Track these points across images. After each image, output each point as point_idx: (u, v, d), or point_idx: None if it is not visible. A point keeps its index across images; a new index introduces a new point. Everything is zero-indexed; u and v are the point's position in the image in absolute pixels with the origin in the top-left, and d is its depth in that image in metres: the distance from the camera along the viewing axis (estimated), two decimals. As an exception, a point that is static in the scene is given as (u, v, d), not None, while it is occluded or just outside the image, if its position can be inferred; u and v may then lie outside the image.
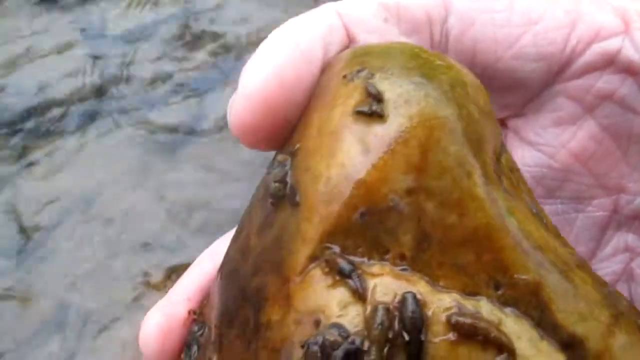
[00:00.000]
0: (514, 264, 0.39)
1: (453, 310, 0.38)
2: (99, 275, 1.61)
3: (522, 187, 0.46)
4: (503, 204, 0.41)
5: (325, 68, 0.46)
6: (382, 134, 0.40)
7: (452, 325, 0.37)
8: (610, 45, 0.50)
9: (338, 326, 0.38)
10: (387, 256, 0.39)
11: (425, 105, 0.40)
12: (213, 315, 0.47)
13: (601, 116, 0.53)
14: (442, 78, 0.42)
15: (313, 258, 0.40)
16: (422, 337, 0.37)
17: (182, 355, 0.49)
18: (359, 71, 0.42)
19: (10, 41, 2.07)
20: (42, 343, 1.50)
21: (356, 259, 0.39)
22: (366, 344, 0.37)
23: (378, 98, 0.40)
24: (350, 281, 0.38)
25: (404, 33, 0.50)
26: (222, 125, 1.83)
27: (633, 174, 0.54)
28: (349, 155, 0.40)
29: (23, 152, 1.84)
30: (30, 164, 1.82)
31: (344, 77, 0.42)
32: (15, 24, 2.12)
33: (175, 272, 1.53)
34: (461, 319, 0.37)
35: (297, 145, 0.43)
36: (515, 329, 0.39)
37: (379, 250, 0.40)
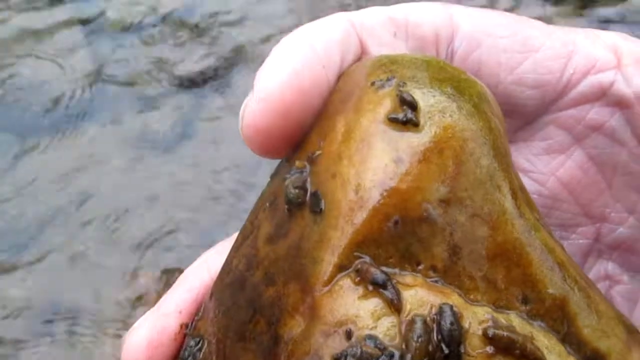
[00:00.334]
0: (542, 280, 0.39)
1: (489, 324, 0.37)
2: (90, 274, 1.56)
3: (533, 206, 0.46)
4: (529, 219, 0.41)
5: (344, 75, 0.46)
6: (416, 142, 0.39)
7: (489, 339, 0.37)
8: (604, 78, 0.52)
9: (373, 338, 0.36)
10: (419, 267, 0.38)
11: (459, 117, 0.40)
12: (212, 328, 0.44)
13: (590, 146, 0.54)
14: (470, 92, 0.42)
15: (342, 267, 0.38)
16: (462, 350, 0.36)
17: None
18: (389, 79, 0.41)
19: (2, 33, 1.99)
20: (33, 342, 1.44)
21: (388, 270, 0.38)
22: (406, 357, 0.35)
23: (413, 106, 0.39)
24: (385, 292, 0.37)
25: (411, 49, 0.50)
26: (217, 126, 1.80)
27: (616, 204, 0.56)
28: (382, 162, 0.39)
29: (15, 148, 1.77)
30: (22, 161, 1.75)
31: (372, 84, 0.42)
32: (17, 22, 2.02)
33: (165, 273, 1.48)
34: (498, 332, 0.37)
35: (318, 151, 0.42)
36: (545, 343, 0.38)
37: (410, 261, 0.38)
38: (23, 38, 2.02)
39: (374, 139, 0.40)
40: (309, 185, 0.41)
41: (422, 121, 0.39)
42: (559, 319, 0.39)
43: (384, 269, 0.38)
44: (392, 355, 0.35)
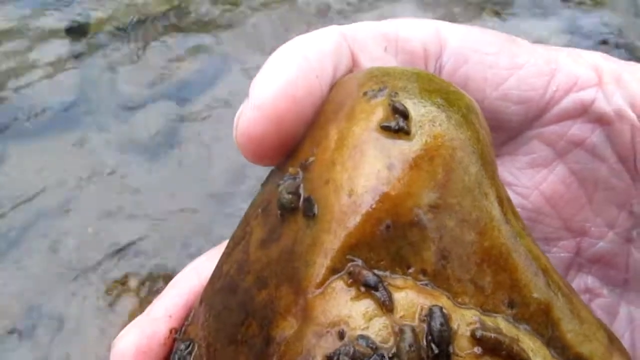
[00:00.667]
0: (527, 284, 0.40)
1: (476, 325, 0.38)
2: (72, 279, 1.54)
3: (517, 216, 0.47)
4: (514, 226, 0.42)
5: (336, 85, 0.47)
6: (408, 150, 0.40)
7: (477, 340, 0.38)
8: (585, 95, 0.54)
9: (365, 338, 0.37)
10: (409, 271, 0.39)
11: (449, 126, 0.41)
12: (203, 332, 0.44)
13: (572, 161, 0.56)
14: (459, 103, 0.43)
15: (334, 270, 0.39)
16: (451, 350, 0.37)
17: None
18: (381, 89, 0.43)
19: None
20: (13, 347, 1.42)
21: (379, 272, 0.39)
22: (398, 357, 0.36)
23: (405, 115, 0.41)
24: (377, 293, 0.38)
25: (400, 63, 0.52)
26: (203, 132, 1.80)
27: (596, 219, 0.57)
28: (375, 168, 0.40)
29: (-1, 152, 1.75)
30: (6, 165, 1.73)
31: (365, 93, 0.43)
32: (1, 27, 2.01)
33: (149, 279, 1.46)
34: (486, 333, 0.38)
35: (311, 158, 0.43)
36: (531, 345, 0.39)
37: (401, 264, 0.39)
38: (7, 45, 2.02)
39: (366, 146, 0.41)
40: (302, 191, 0.42)
41: (413, 130, 0.41)
42: (543, 323, 0.40)
43: (376, 271, 0.39)
44: (383, 355, 0.36)
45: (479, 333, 0.38)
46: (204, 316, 0.45)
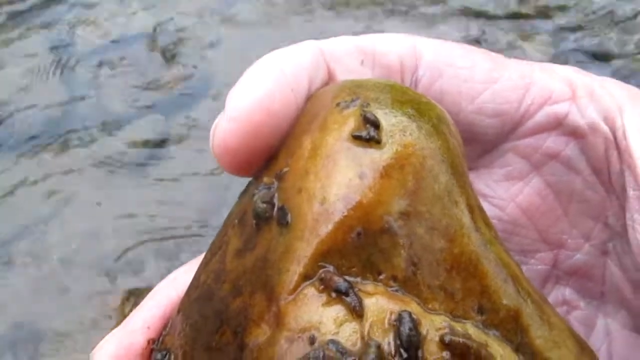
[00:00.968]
0: (497, 291, 0.41)
1: (445, 331, 0.39)
2: (56, 294, 1.53)
3: (490, 225, 0.48)
4: (484, 234, 0.43)
5: (311, 98, 0.48)
6: (378, 159, 0.41)
7: (446, 345, 0.38)
8: (559, 109, 0.55)
9: (335, 342, 0.37)
10: (380, 277, 0.40)
11: (419, 136, 0.42)
12: (179, 341, 0.45)
13: (547, 174, 0.57)
14: (430, 114, 0.44)
15: (306, 276, 0.40)
16: (419, 355, 0.37)
17: None
18: (353, 100, 0.44)
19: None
20: None
21: (350, 279, 0.40)
22: None
23: (376, 125, 0.42)
24: (347, 299, 0.38)
25: (377, 77, 0.53)
26: (188, 146, 1.80)
27: (572, 230, 0.58)
28: (346, 177, 0.41)
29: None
30: None
31: (337, 104, 0.44)
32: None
33: (133, 295, 1.46)
34: (455, 338, 0.38)
35: (285, 168, 0.44)
36: (500, 351, 0.40)
37: (372, 271, 0.40)
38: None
39: (338, 155, 0.42)
40: (276, 201, 0.43)
41: (384, 139, 0.42)
42: (512, 330, 0.41)
43: (347, 277, 0.39)
44: (352, 358, 0.37)
45: (447, 338, 0.38)
46: (181, 325, 0.45)
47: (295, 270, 0.40)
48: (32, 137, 1.85)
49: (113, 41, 2.10)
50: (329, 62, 0.51)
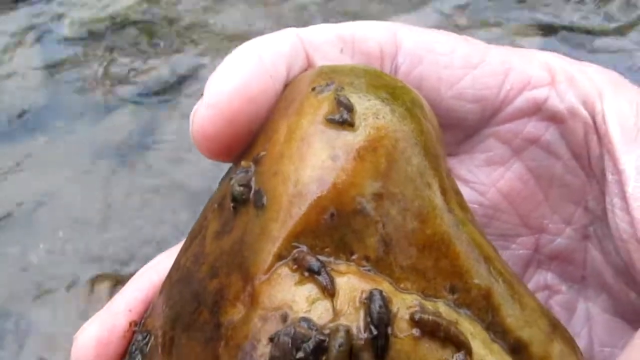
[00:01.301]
0: (469, 270, 0.42)
1: (416, 309, 0.40)
2: (43, 284, 1.53)
3: (466, 208, 0.49)
4: (457, 215, 0.44)
5: (289, 84, 0.49)
6: (351, 141, 0.42)
7: (416, 322, 0.39)
8: (538, 94, 0.56)
9: (307, 320, 0.38)
10: (352, 257, 0.41)
11: (392, 119, 0.43)
12: (159, 323, 0.46)
13: (528, 159, 0.58)
14: (404, 97, 0.45)
15: (280, 257, 0.41)
16: (389, 332, 0.38)
17: None
18: (328, 84, 0.44)
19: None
20: None
21: (323, 258, 0.40)
22: (336, 337, 0.37)
23: (349, 108, 0.42)
24: (319, 278, 0.39)
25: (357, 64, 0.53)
26: (177, 135, 1.80)
27: (553, 215, 0.59)
28: (320, 159, 0.41)
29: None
30: None
31: (313, 89, 0.45)
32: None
33: (121, 283, 1.47)
34: (424, 316, 0.39)
35: (262, 152, 0.45)
36: (470, 329, 0.41)
37: (345, 251, 0.41)
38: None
39: (313, 138, 0.42)
40: (253, 184, 0.44)
41: (357, 122, 0.42)
42: (484, 308, 0.42)
43: (320, 257, 0.40)
44: (323, 335, 0.37)
45: (417, 316, 0.39)
46: (161, 308, 0.46)
47: (270, 250, 0.41)
48: (18, 126, 1.85)
49: (101, 29, 2.09)
50: (308, 50, 0.52)
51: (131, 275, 0.51)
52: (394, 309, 0.39)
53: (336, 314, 0.39)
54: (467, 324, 0.41)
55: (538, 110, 0.56)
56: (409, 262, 0.41)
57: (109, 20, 2.10)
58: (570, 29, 2.03)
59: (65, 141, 1.82)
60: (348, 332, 0.38)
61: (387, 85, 0.45)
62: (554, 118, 0.56)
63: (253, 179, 0.44)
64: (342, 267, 0.40)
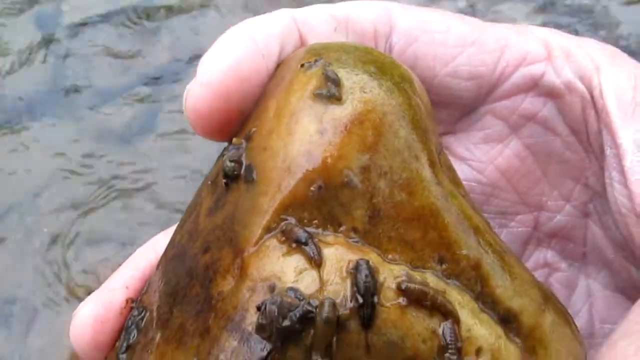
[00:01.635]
0: (457, 242, 0.42)
1: (403, 278, 0.40)
2: (47, 269, 1.55)
3: (459, 183, 0.49)
4: (446, 187, 0.44)
5: (281, 63, 0.49)
6: (339, 115, 0.42)
7: (402, 291, 0.39)
8: (535, 69, 0.56)
9: (294, 290, 0.39)
10: (340, 229, 0.41)
11: (379, 92, 0.43)
12: (155, 299, 0.47)
13: (525, 136, 0.57)
14: (393, 72, 0.45)
15: (269, 229, 0.41)
16: (375, 301, 0.39)
17: (117, 343, 0.48)
18: (316, 60, 0.45)
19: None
20: None
21: (312, 230, 0.41)
22: (323, 307, 0.38)
23: (336, 82, 0.43)
24: (306, 248, 0.40)
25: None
26: (177, 119, 1.81)
27: (552, 192, 0.59)
28: (307, 133, 0.42)
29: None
30: None
31: (302, 66, 0.45)
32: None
33: None
34: (410, 285, 0.39)
35: (253, 129, 0.45)
36: (459, 299, 0.41)
37: (332, 223, 0.41)
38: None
39: (301, 113, 0.43)
40: (244, 160, 0.44)
41: (344, 96, 0.43)
42: (473, 279, 0.42)
43: (308, 229, 0.41)
44: (310, 304, 0.38)
45: (404, 285, 0.39)
46: (157, 284, 0.47)
47: (259, 223, 0.41)
48: (20, 112, 1.86)
49: (101, 13, 2.09)
50: (302, 30, 0.52)
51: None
52: (381, 278, 0.40)
53: (323, 283, 0.39)
54: (456, 293, 0.41)
55: (535, 86, 0.56)
56: (397, 234, 0.41)
57: (110, 5, 2.11)
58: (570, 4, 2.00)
59: (69, 126, 1.82)
60: (334, 305, 0.38)
61: (375, 60, 0.46)
62: (551, 94, 0.56)
63: (244, 155, 0.44)
64: (330, 238, 0.41)
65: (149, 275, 0.50)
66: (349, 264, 0.40)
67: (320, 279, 0.39)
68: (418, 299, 0.39)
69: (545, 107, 0.56)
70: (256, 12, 0.52)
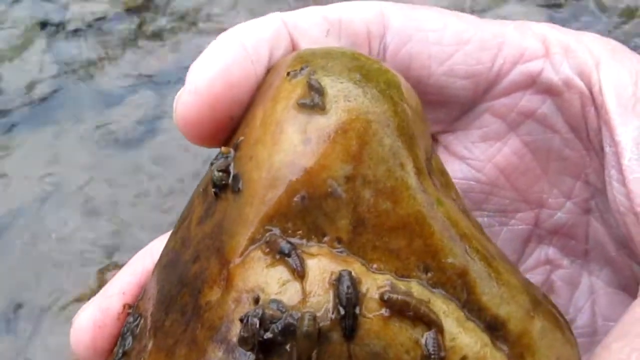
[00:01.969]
0: (443, 250, 0.42)
1: (386, 289, 0.40)
2: (54, 273, 1.57)
3: (451, 187, 0.49)
4: (433, 194, 0.44)
5: (271, 69, 0.49)
6: (323, 124, 0.42)
7: (385, 302, 0.39)
8: (532, 66, 0.55)
9: (277, 302, 0.39)
10: (325, 239, 0.41)
11: (364, 101, 0.43)
12: (149, 305, 0.47)
13: (524, 133, 0.57)
14: (379, 78, 0.45)
15: (254, 240, 0.41)
16: (357, 312, 0.39)
17: (115, 349, 0.49)
18: (302, 69, 0.45)
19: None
20: None
21: (296, 241, 0.41)
22: (304, 318, 0.38)
23: (320, 92, 0.43)
24: (289, 260, 0.40)
25: (344, 45, 0.53)
26: None
27: (552, 189, 0.58)
28: (291, 143, 0.42)
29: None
30: None
31: (288, 74, 0.45)
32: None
33: None
34: (393, 295, 0.39)
35: (241, 138, 0.45)
36: (443, 308, 0.41)
37: (317, 233, 0.41)
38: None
39: (286, 123, 0.43)
40: (232, 169, 0.45)
41: (328, 105, 0.42)
42: (459, 287, 0.42)
43: (292, 240, 0.41)
44: (292, 317, 0.38)
45: (386, 296, 0.39)
46: (152, 291, 0.48)
47: (244, 234, 0.42)
48: (25, 116, 1.87)
49: (104, 16, 2.10)
50: (293, 34, 0.52)
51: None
52: (364, 289, 0.40)
53: (306, 295, 0.39)
54: (440, 302, 0.41)
55: (533, 83, 0.55)
56: (382, 243, 0.41)
57: (112, 8, 2.11)
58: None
59: (74, 130, 1.83)
60: (314, 318, 0.39)
61: (362, 67, 0.45)
62: (550, 90, 0.55)
63: (232, 164, 0.45)
64: (314, 249, 0.41)
65: (145, 281, 0.51)
66: (331, 275, 0.40)
67: (303, 290, 0.40)
68: (400, 309, 0.39)
69: (544, 104, 0.56)
70: (262, 16, 0.51)
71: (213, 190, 0.45)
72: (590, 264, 0.59)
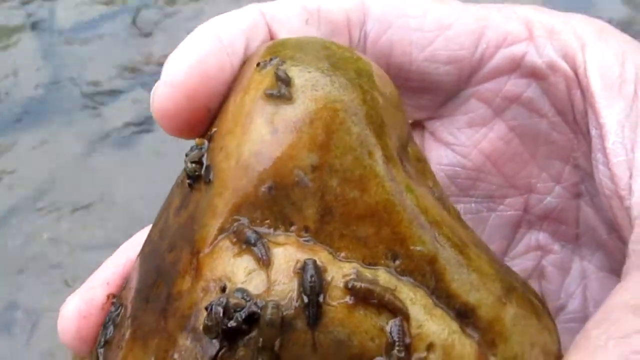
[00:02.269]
0: (411, 237, 0.42)
1: (351, 277, 0.40)
2: (49, 274, 1.58)
3: (427, 175, 0.48)
4: (402, 182, 0.43)
5: (247, 60, 0.49)
6: (289, 115, 0.42)
7: (349, 290, 0.40)
8: (515, 50, 0.54)
9: (242, 291, 0.40)
10: (292, 228, 0.42)
11: (331, 90, 0.43)
12: (130, 295, 0.48)
13: (510, 118, 0.56)
14: (348, 67, 0.45)
15: (223, 230, 0.42)
16: (321, 300, 0.39)
17: (97, 338, 0.50)
18: (271, 59, 0.45)
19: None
20: None
21: (263, 230, 0.41)
22: (267, 307, 0.39)
23: (286, 82, 0.43)
24: (255, 249, 0.40)
25: (323, 35, 0.53)
26: None
27: (541, 174, 0.57)
28: (259, 133, 0.42)
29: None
30: None
31: (258, 65, 0.45)
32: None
33: None
34: (357, 283, 0.40)
35: (214, 129, 0.46)
36: (410, 295, 0.41)
37: (284, 222, 0.42)
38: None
39: (254, 114, 0.43)
40: (205, 160, 0.45)
41: (295, 95, 0.43)
42: (427, 274, 0.42)
43: (259, 229, 0.41)
44: (256, 305, 0.39)
45: (350, 284, 0.40)
46: (133, 281, 0.49)
47: (214, 224, 0.42)
48: (18, 116, 1.88)
49: (97, 16, 2.11)
50: (271, 25, 0.52)
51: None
52: (329, 277, 0.40)
53: (271, 284, 0.40)
54: (408, 290, 0.41)
55: (517, 67, 0.55)
56: (349, 231, 0.41)
57: (105, 8, 2.12)
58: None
59: (68, 130, 1.83)
60: (277, 306, 0.39)
61: (331, 55, 0.45)
62: (534, 74, 0.54)
63: (206, 155, 0.45)
64: (281, 238, 0.41)
65: (129, 270, 0.52)
66: (297, 263, 0.40)
67: (269, 279, 0.40)
68: (365, 297, 0.39)
69: (529, 88, 0.55)
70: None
71: (187, 181, 0.46)
72: (582, 248, 0.58)
